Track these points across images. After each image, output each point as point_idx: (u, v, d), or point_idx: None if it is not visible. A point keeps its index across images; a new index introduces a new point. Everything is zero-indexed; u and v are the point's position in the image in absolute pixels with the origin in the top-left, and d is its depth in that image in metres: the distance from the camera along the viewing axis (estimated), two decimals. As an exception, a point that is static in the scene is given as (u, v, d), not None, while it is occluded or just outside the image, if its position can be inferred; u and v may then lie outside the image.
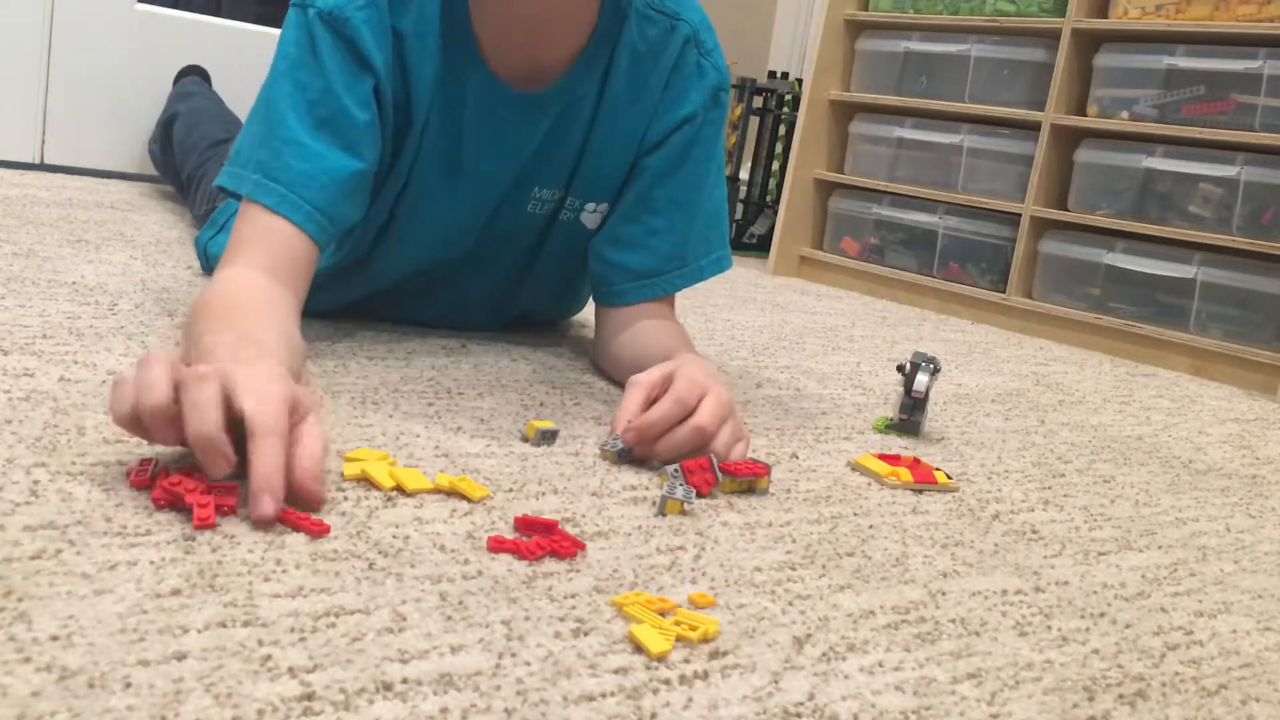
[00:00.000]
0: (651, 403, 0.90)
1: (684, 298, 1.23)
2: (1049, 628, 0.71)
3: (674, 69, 1.15)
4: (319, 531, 0.66)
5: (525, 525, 0.72)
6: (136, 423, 0.68)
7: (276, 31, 2.42)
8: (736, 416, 0.93)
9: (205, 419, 0.65)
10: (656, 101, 1.15)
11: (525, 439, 0.92)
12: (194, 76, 2.23)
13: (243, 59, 2.32)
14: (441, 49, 1.07)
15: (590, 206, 1.20)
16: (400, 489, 0.76)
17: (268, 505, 0.65)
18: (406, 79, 1.07)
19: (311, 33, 1.02)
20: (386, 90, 1.05)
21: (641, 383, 0.91)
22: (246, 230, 0.98)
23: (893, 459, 1.01)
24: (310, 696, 0.49)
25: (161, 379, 0.67)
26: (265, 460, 0.66)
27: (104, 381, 0.89)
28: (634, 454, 0.89)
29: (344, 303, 1.23)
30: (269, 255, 0.96)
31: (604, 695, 0.54)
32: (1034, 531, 0.91)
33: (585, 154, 1.16)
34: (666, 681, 0.56)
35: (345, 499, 0.72)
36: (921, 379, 1.14)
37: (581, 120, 1.14)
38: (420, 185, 1.13)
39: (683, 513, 0.80)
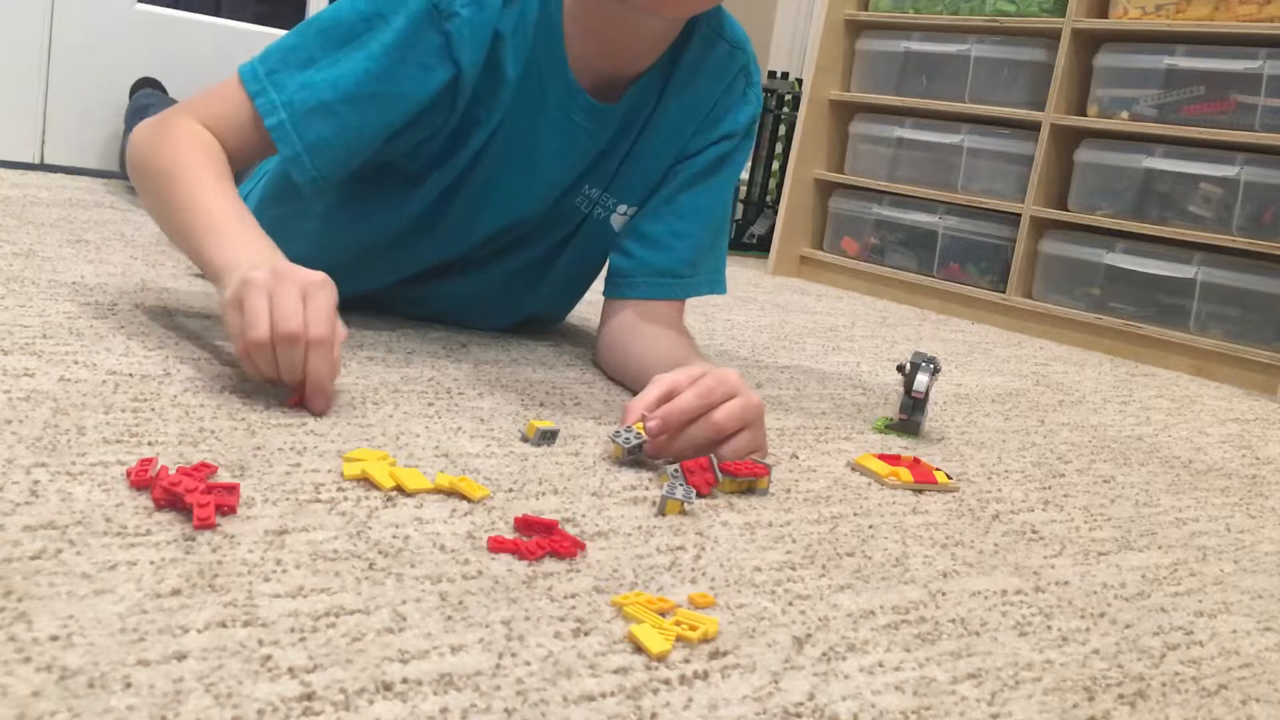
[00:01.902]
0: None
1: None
2: (1049, 628, 0.71)
3: (725, 91, 1.20)
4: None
5: (525, 525, 0.72)
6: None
7: (276, 32, 2.44)
8: (760, 427, 0.92)
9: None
10: (703, 118, 1.20)
11: (525, 439, 0.92)
12: (147, 89, 2.22)
13: (242, 59, 2.32)
14: (531, 51, 1.10)
15: (622, 209, 1.23)
16: (400, 489, 0.76)
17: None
18: (496, 77, 1.09)
19: (410, 14, 1.04)
20: (468, 84, 1.07)
21: (665, 379, 0.91)
22: (236, 111, 1.05)
23: (893, 459, 1.01)
24: (310, 696, 0.49)
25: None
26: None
27: (104, 381, 0.89)
28: (644, 451, 0.89)
29: (393, 280, 1.25)
30: (239, 145, 1.05)
31: (604, 695, 0.54)
32: (1034, 531, 0.91)
33: (631, 156, 1.20)
34: (666, 681, 0.56)
35: (345, 499, 0.72)
36: (921, 379, 1.14)
37: (636, 126, 1.18)
38: (490, 175, 1.15)
39: (683, 513, 0.80)
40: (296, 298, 0.85)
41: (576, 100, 1.13)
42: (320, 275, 0.88)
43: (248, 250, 0.92)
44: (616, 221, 1.24)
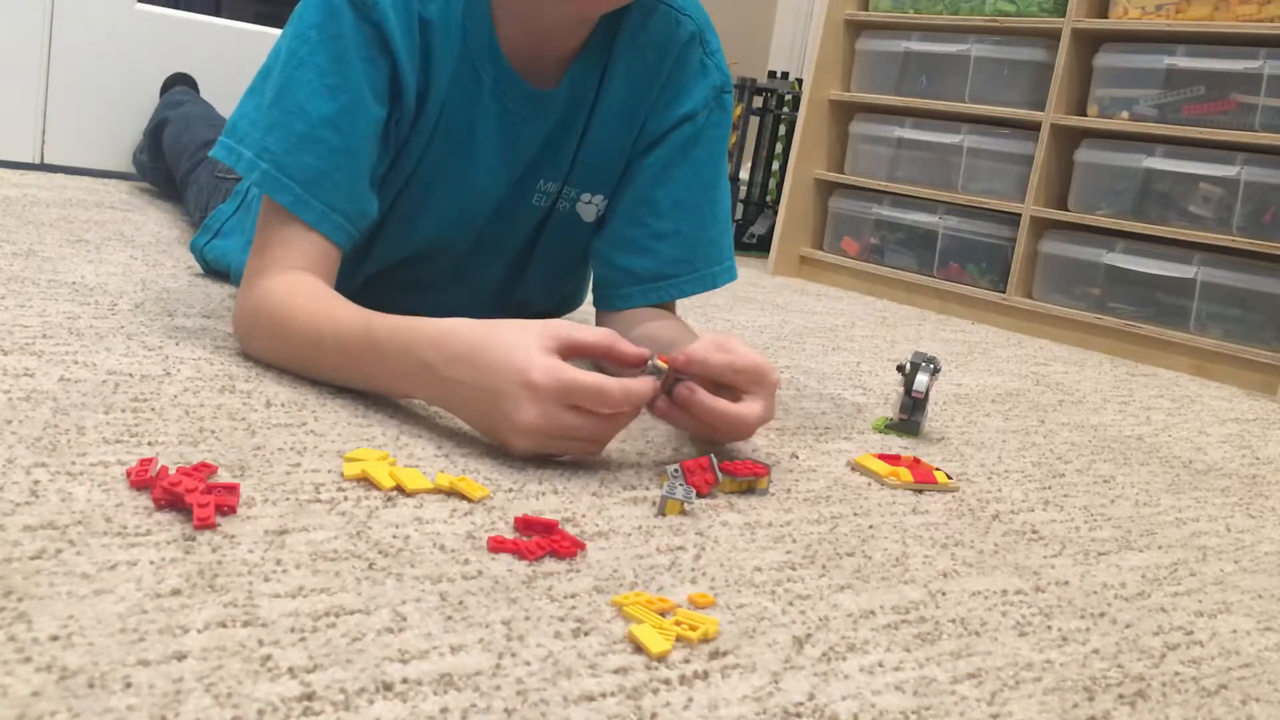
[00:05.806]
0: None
1: (685, 298, 1.23)
2: (1049, 628, 0.71)
3: (676, 63, 1.14)
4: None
5: (525, 525, 0.72)
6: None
7: (276, 31, 2.44)
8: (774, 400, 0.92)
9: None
10: (656, 95, 1.14)
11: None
12: (182, 86, 2.22)
13: (242, 59, 2.32)
14: (462, 39, 1.06)
15: (586, 197, 1.19)
16: (400, 489, 0.76)
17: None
18: (429, 68, 1.05)
19: (336, 15, 0.99)
20: (409, 78, 1.03)
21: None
22: (273, 233, 1.00)
23: (893, 459, 1.01)
24: (310, 696, 0.49)
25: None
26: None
27: (104, 381, 0.89)
28: (666, 379, 0.88)
29: (352, 290, 1.22)
30: (301, 258, 0.99)
31: (604, 695, 0.54)
32: (1034, 531, 0.91)
33: (584, 144, 1.15)
34: (666, 681, 0.56)
35: (345, 499, 0.72)
36: (921, 379, 1.13)
37: (583, 111, 1.14)
38: (430, 173, 1.12)
39: (683, 513, 0.80)
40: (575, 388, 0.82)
41: (513, 87, 1.08)
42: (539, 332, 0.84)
43: (408, 334, 0.90)
44: (585, 210, 1.19)
